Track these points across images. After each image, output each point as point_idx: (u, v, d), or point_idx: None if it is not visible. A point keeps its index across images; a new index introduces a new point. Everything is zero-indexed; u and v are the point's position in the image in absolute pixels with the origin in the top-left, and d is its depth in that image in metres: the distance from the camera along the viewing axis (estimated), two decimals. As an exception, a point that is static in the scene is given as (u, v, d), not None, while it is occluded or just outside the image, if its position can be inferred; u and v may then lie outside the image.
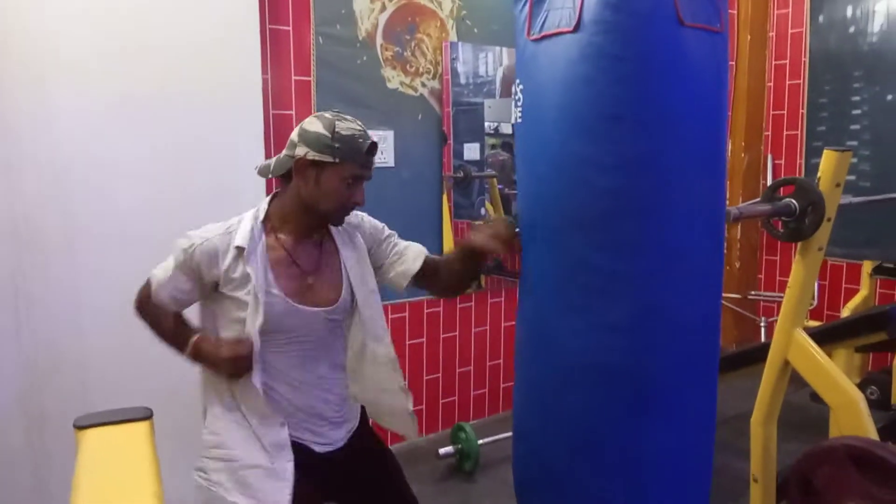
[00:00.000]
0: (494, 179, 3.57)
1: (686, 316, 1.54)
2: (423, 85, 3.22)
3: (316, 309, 1.54)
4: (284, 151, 1.51)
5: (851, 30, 3.89)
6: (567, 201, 1.52)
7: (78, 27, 2.22)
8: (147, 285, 1.55)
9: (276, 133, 2.78)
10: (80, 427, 1.40)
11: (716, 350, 1.71)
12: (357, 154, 1.47)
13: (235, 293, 1.47)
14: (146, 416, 1.45)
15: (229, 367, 1.47)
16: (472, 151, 3.42)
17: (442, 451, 3.03)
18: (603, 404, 1.55)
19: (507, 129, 3.61)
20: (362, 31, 3.01)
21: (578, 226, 1.51)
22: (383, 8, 3.06)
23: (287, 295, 1.50)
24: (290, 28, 2.81)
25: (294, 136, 1.49)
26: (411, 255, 1.70)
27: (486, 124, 3.47)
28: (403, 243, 1.74)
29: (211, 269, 1.47)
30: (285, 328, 1.51)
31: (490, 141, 3.51)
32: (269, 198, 1.57)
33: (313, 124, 1.47)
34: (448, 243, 3.30)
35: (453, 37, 3.28)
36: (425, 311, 3.33)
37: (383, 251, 1.70)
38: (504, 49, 3.45)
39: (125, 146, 2.32)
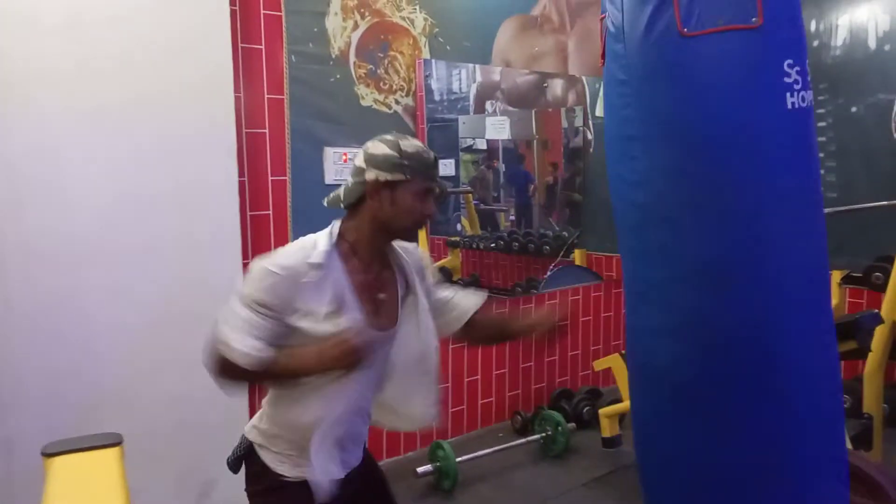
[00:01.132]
0: (470, 195, 3.58)
1: (726, 323, 1.56)
2: (397, 102, 3.23)
3: (382, 333, 1.54)
4: (352, 179, 1.51)
5: (815, 43, 3.98)
6: (616, 214, 1.76)
7: (49, 42, 2.20)
8: (220, 351, 1.40)
9: (248, 151, 2.77)
10: (48, 454, 1.37)
11: (769, 359, 1.61)
12: (425, 167, 1.50)
13: (311, 321, 1.43)
14: (116, 441, 1.43)
15: (346, 355, 1.37)
16: (447, 167, 3.43)
17: (420, 469, 3.00)
18: (650, 402, 1.65)
19: (481, 144, 3.63)
20: (335, 49, 3.02)
21: (624, 236, 1.72)
22: (356, 26, 3.07)
23: (365, 317, 1.49)
24: (263, 47, 2.81)
25: (359, 162, 1.50)
26: (467, 303, 1.72)
27: (461, 140, 3.49)
28: (450, 292, 1.75)
29: (293, 298, 1.41)
30: None
31: (465, 157, 3.53)
32: (336, 223, 1.54)
33: (378, 147, 1.49)
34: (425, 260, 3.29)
35: (426, 54, 3.30)
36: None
37: (431, 291, 1.71)
38: (477, 66, 3.48)
39: (96, 163, 2.29)
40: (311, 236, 1.51)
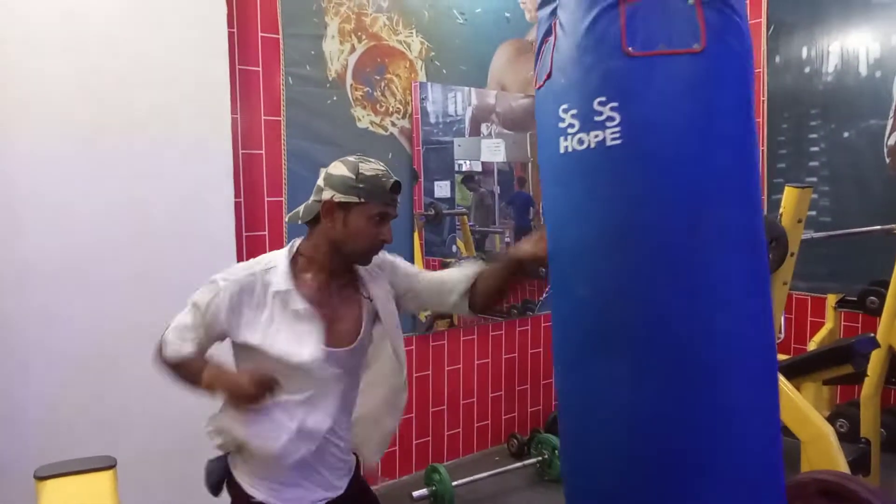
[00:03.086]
0: (465, 217, 3.59)
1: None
2: (394, 124, 3.25)
3: (338, 350, 1.54)
4: (311, 197, 1.54)
5: (807, 70, 4.03)
6: None
7: (48, 64, 2.21)
8: (160, 346, 1.55)
9: (245, 173, 2.77)
10: (40, 477, 1.35)
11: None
12: (381, 193, 1.51)
13: (255, 338, 1.47)
14: (109, 465, 1.41)
15: (251, 387, 1.39)
16: (442, 189, 3.44)
17: (416, 493, 2.97)
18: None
19: (477, 166, 3.65)
20: (332, 71, 3.03)
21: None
22: (353, 49, 3.09)
23: (317, 333, 1.51)
24: (260, 69, 2.83)
25: (320, 181, 1.53)
26: (460, 273, 1.72)
27: (457, 163, 3.50)
28: (440, 272, 1.76)
29: (232, 312, 1.47)
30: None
31: (460, 179, 3.54)
32: (296, 241, 1.57)
33: (337, 168, 1.52)
34: (419, 281, 3.29)
35: (422, 77, 3.32)
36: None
37: (408, 279, 1.71)
38: (472, 89, 3.50)
39: (92, 183, 2.29)
40: (272, 252, 1.55)
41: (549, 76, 1.51)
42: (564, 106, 1.48)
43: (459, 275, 1.71)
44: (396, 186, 1.53)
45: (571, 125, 1.47)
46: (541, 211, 1.71)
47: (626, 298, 1.46)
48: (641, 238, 1.46)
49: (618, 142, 1.43)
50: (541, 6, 1.59)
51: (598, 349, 1.48)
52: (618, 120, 1.43)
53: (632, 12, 1.41)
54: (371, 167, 1.52)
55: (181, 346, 1.48)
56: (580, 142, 1.46)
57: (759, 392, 1.51)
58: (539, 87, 1.57)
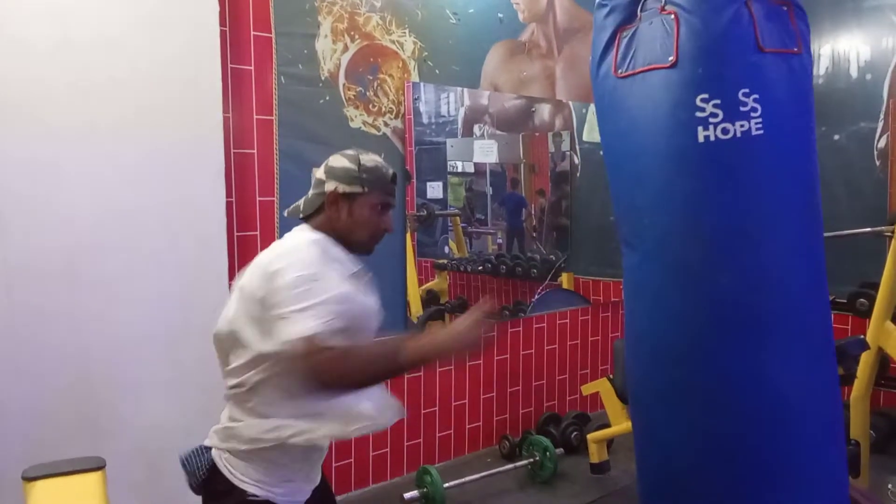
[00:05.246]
0: (458, 217, 3.59)
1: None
2: (386, 124, 3.24)
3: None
4: (312, 190, 1.56)
5: (798, 73, 4.06)
6: None
7: (40, 63, 2.18)
8: (310, 347, 1.28)
9: (236, 172, 2.76)
10: (28, 478, 1.33)
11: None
12: (383, 182, 1.55)
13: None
14: (99, 465, 1.39)
15: (473, 334, 1.33)
16: (435, 190, 3.44)
17: (407, 495, 2.96)
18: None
19: (469, 167, 3.65)
20: (325, 70, 3.02)
21: None
22: (346, 48, 3.08)
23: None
24: (252, 68, 2.81)
25: (320, 174, 1.55)
26: None
27: (449, 163, 3.50)
28: None
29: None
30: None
31: (453, 180, 3.54)
32: (303, 227, 1.55)
33: (338, 161, 1.55)
34: (412, 282, 3.28)
35: (415, 77, 3.32)
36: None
37: None
38: (465, 90, 3.50)
39: (83, 181, 2.27)
40: (295, 239, 1.50)
41: (673, 64, 1.52)
42: (704, 95, 1.50)
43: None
44: (395, 177, 1.59)
45: (714, 114, 1.50)
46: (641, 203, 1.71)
47: (770, 284, 1.53)
48: (779, 225, 1.55)
49: (761, 132, 1.49)
50: None
51: (741, 333, 1.54)
52: (760, 110, 1.50)
53: (756, 12, 1.51)
54: (371, 158, 1.56)
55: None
56: (724, 131, 1.50)
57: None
58: (630, 74, 1.60)
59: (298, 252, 1.42)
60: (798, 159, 1.58)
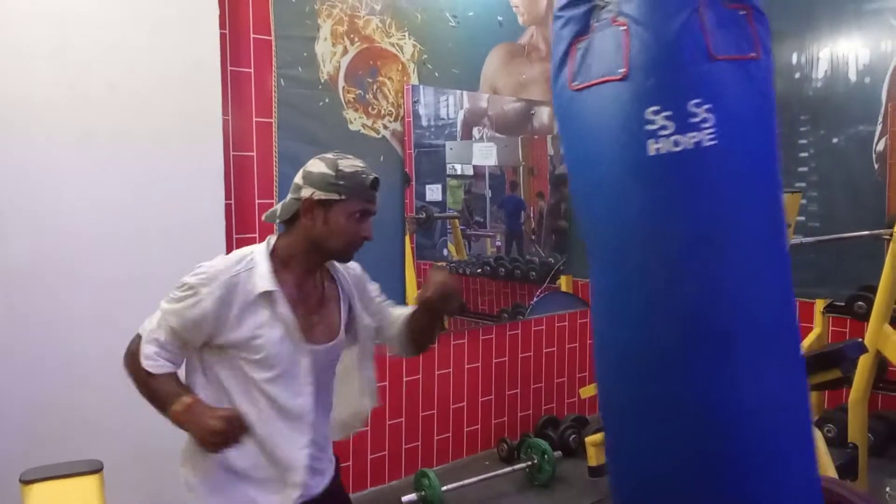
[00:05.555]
0: (457, 220, 3.59)
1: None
2: (385, 127, 3.24)
3: (318, 347, 1.53)
4: (289, 195, 1.52)
5: (797, 76, 4.06)
6: None
7: (39, 65, 2.19)
8: (135, 340, 1.49)
9: (236, 174, 2.76)
10: (26, 481, 1.33)
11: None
12: (361, 189, 1.49)
13: (241, 341, 1.44)
14: (96, 469, 1.39)
15: (215, 438, 1.37)
16: (434, 193, 3.44)
17: (405, 498, 2.96)
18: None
19: (468, 170, 3.65)
20: (324, 73, 3.03)
21: None
22: (345, 51, 3.09)
23: (297, 329, 1.50)
24: (252, 70, 2.82)
25: (298, 179, 1.51)
26: (400, 310, 1.75)
27: (448, 166, 3.50)
28: (391, 309, 1.77)
29: (218, 318, 1.42)
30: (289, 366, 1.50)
31: (452, 182, 3.54)
32: (272, 237, 1.56)
33: (316, 165, 1.50)
34: (411, 284, 3.28)
35: (415, 80, 3.32)
36: (387, 354, 3.29)
37: (370, 296, 1.72)
38: (464, 93, 3.51)
39: (84, 185, 2.27)
40: (246, 248, 1.52)
41: (624, 76, 1.50)
42: (655, 108, 1.48)
43: (400, 311, 1.75)
44: (376, 183, 1.52)
45: (664, 127, 1.47)
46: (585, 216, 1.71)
47: (730, 295, 1.50)
48: (739, 235, 1.50)
49: (714, 142, 1.46)
50: (568, 6, 1.61)
51: (699, 346, 1.51)
52: (712, 121, 1.46)
53: (707, 19, 1.47)
54: (350, 163, 1.51)
55: (158, 365, 1.43)
56: (675, 143, 1.47)
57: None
58: (584, 87, 1.57)
59: (215, 261, 1.48)
60: (757, 168, 1.53)
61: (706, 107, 1.46)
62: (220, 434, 1.34)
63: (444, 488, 3.00)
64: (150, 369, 1.43)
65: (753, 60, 1.53)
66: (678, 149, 1.46)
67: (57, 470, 1.36)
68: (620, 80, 1.50)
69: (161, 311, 1.46)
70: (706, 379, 1.51)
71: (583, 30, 1.59)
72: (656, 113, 1.47)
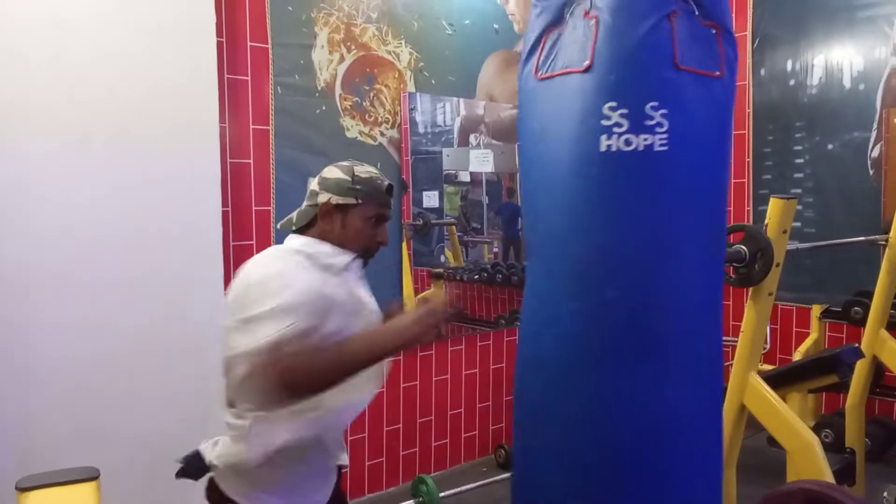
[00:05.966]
0: (454, 227, 3.59)
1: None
2: (382, 134, 3.25)
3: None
4: (305, 203, 1.55)
5: (792, 82, 4.08)
6: None
7: (37, 72, 2.19)
8: (274, 353, 1.29)
9: (233, 181, 2.77)
10: (22, 489, 1.33)
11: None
12: (377, 194, 1.53)
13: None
14: (93, 476, 1.39)
15: (433, 319, 1.38)
16: (431, 199, 3.44)
17: (402, 504, 2.96)
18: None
19: (465, 177, 3.65)
20: (321, 81, 3.04)
21: None
22: (342, 59, 3.10)
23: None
24: (249, 78, 2.82)
25: (314, 186, 1.54)
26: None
27: (445, 172, 3.51)
28: None
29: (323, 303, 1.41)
30: None
31: (449, 189, 3.55)
32: (292, 238, 1.55)
33: (332, 172, 1.53)
34: (408, 291, 3.29)
35: (411, 87, 3.33)
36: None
37: None
38: (461, 100, 3.52)
39: (81, 193, 2.27)
40: (274, 249, 1.54)
41: (588, 68, 1.49)
42: (612, 104, 1.47)
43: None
44: (390, 188, 1.57)
45: (619, 124, 1.47)
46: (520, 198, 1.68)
47: (664, 302, 1.49)
48: (675, 246, 1.50)
49: (665, 148, 1.45)
50: None
51: (627, 352, 1.49)
52: (666, 127, 1.45)
53: (679, 28, 1.47)
54: (365, 170, 1.54)
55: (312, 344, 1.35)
56: (627, 143, 1.47)
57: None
58: (548, 76, 1.56)
59: (272, 258, 1.48)
60: (704, 182, 1.51)
61: (663, 111, 1.46)
62: (434, 315, 1.38)
63: (442, 494, 2.99)
64: (315, 351, 1.33)
65: (718, 79, 1.52)
66: (629, 148, 1.46)
67: (53, 477, 1.36)
68: (583, 71, 1.49)
69: (265, 315, 1.33)
70: (625, 383, 1.49)
71: (556, 20, 1.58)
72: (613, 109, 1.47)
